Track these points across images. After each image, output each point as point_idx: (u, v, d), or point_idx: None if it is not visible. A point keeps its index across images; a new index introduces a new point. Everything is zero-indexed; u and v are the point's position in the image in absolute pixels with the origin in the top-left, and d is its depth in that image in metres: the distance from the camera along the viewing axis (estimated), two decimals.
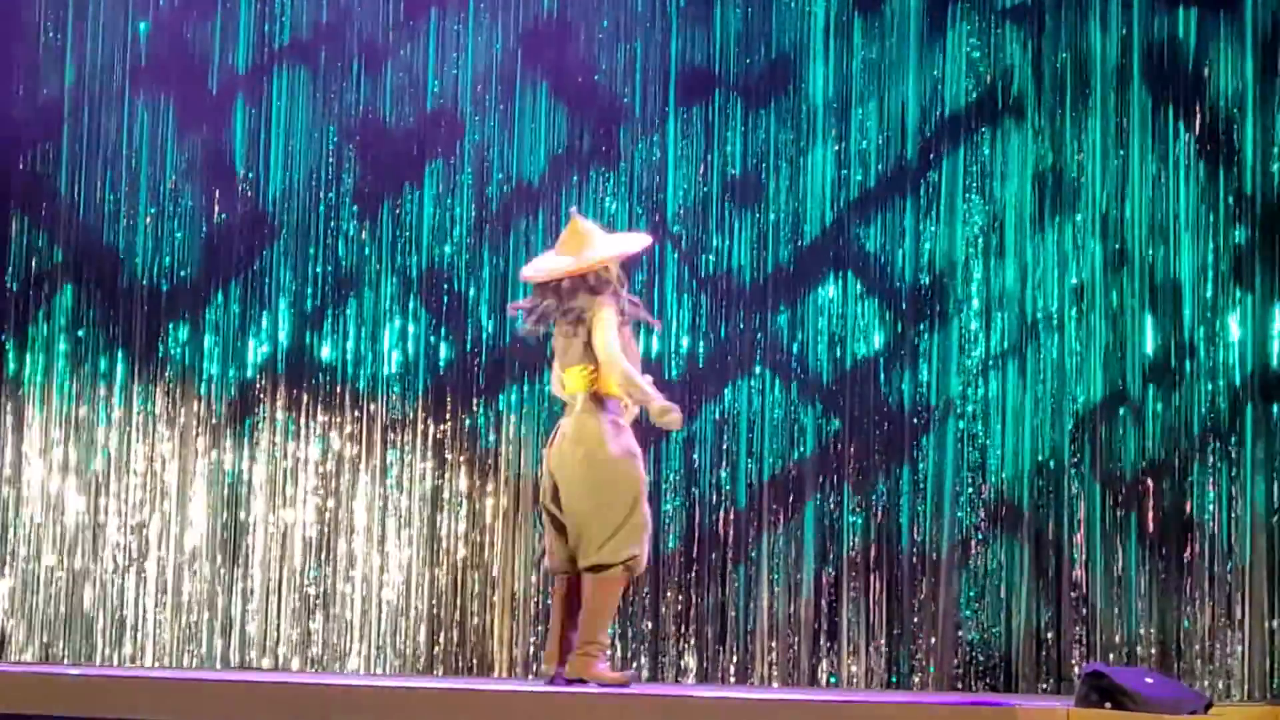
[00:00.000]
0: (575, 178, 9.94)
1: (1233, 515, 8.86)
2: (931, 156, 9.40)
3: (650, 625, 9.61)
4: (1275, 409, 8.86)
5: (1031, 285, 9.21)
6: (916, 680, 9.21)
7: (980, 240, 9.31)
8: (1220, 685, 8.77)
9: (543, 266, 7.63)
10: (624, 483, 7.36)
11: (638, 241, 7.86)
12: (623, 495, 7.35)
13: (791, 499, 9.49)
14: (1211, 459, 8.92)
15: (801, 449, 9.48)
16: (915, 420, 9.34)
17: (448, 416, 10.02)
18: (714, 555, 9.54)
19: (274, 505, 10.14)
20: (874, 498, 9.36)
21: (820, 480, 9.44)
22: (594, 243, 7.54)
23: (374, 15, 10.24)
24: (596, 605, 7.35)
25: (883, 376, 9.41)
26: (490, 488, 9.93)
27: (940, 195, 9.38)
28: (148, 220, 10.36)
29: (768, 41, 9.72)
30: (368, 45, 10.24)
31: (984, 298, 9.30)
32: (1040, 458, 9.14)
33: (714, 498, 9.58)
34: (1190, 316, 9.00)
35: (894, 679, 9.22)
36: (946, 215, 9.36)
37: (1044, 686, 8.99)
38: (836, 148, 9.55)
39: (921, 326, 9.37)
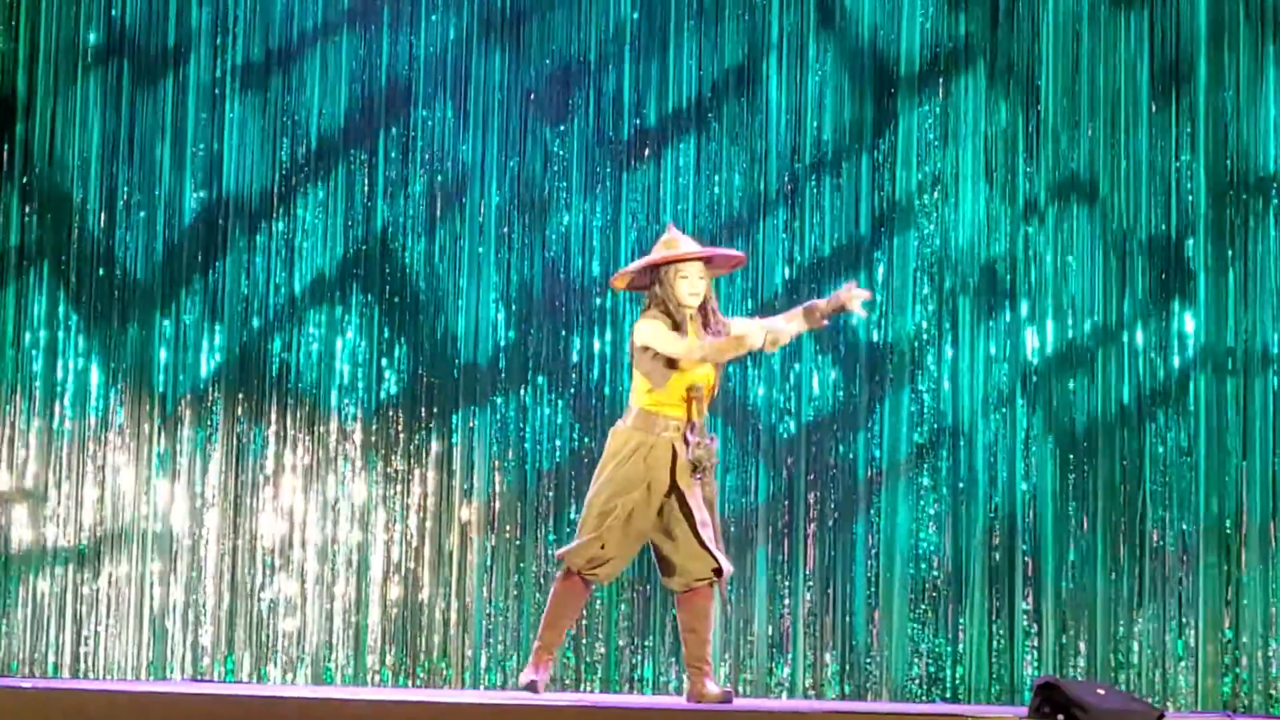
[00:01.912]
0: (533, 198, 9.96)
1: (1184, 528, 8.92)
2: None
3: (604, 639, 9.63)
4: (1231, 417, 8.94)
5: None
6: (870, 690, 9.25)
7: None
8: (1172, 696, 8.83)
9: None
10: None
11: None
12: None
13: (749, 515, 9.52)
14: (1164, 474, 8.98)
15: (755, 485, 9.54)
16: (871, 449, 9.39)
17: (402, 428, 10.01)
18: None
19: (229, 515, 10.11)
20: (828, 511, 9.40)
21: (776, 499, 9.47)
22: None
23: (337, 30, 10.25)
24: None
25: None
26: (448, 499, 9.92)
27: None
28: (100, 222, 10.32)
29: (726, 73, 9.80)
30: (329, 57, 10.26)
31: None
32: (992, 468, 9.19)
33: None
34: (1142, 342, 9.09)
35: (847, 689, 9.26)
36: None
37: (996, 697, 9.03)
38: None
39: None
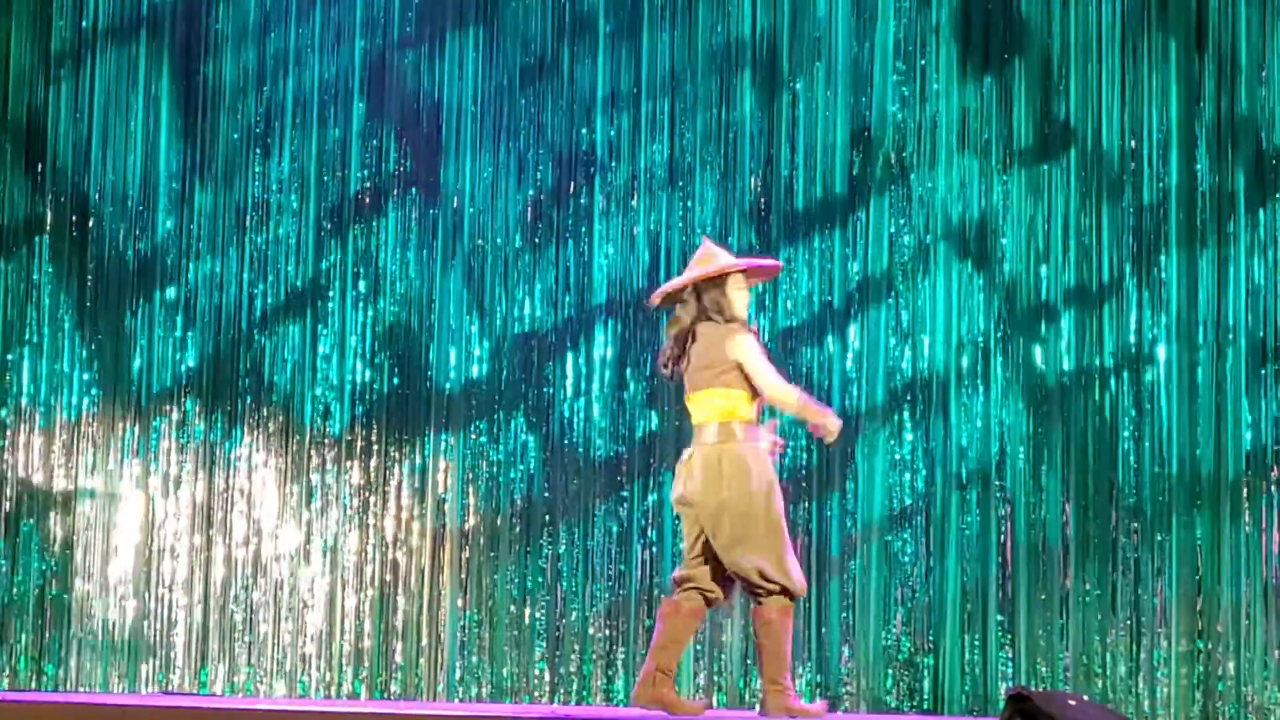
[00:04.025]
0: (508, 211, 9.96)
1: (1157, 538, 8.93)
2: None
3: (578, 652, 9.63)
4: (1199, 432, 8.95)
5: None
6: (846, 702, 9.25)
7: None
8: (1145, 708, 8.83)
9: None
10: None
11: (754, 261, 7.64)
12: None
13: None
14: (1137, 487, 8.99)
15: None
16: (845, 447, 9.39)
17: (377, 441, 10.00)
18: (640, 585, 9.57)
19: (203, 526, 10.09)
20: (802, 520, 9.40)
21: None
22: (720, 257, 7.47)
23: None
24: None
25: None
26: (423, 511, 9.91)
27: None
28: (73, 229, 10.32)
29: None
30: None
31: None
32: (967, 480, 9.20)
33: (649, 533, 9.62)
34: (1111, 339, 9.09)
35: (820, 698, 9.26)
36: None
37: (971, 709, 9.04)
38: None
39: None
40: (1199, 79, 9.09)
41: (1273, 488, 8.81)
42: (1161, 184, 9.08)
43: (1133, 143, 9.13)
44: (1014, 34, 9.34)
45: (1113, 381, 9.10)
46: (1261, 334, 8.90)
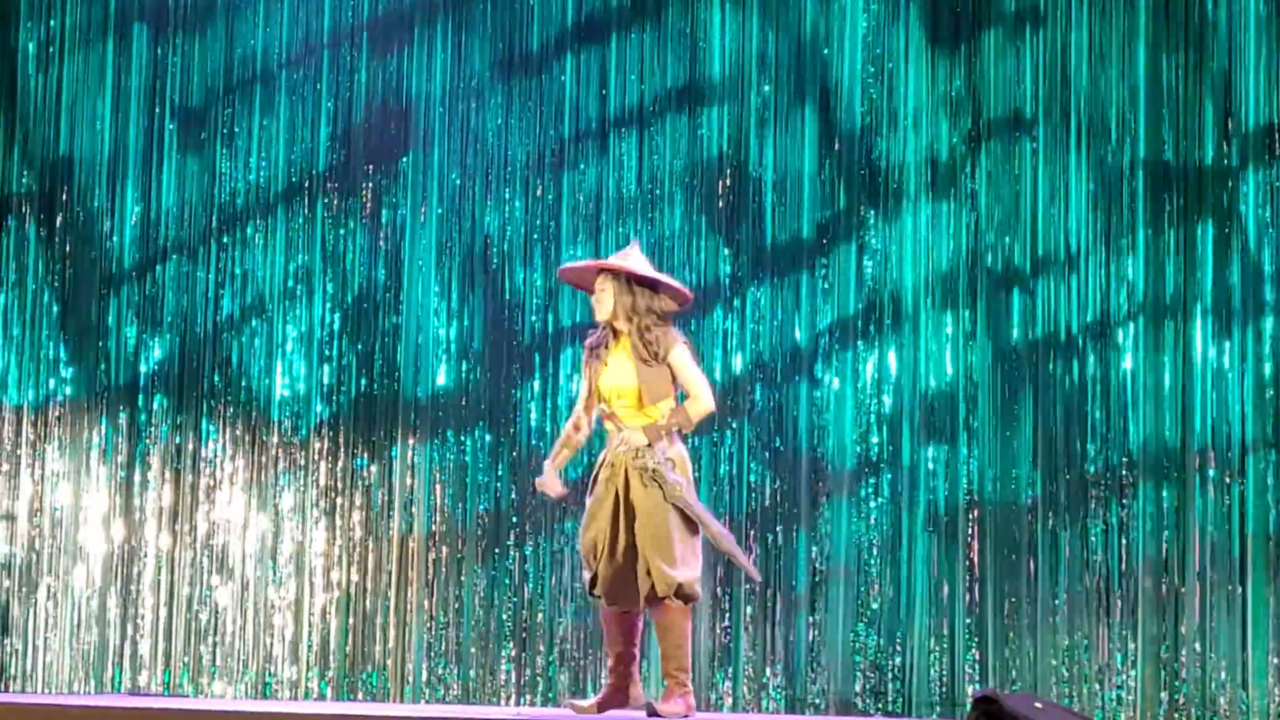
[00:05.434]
0: (474, 213, 9.96)
1: (1123, 541, 8.96)
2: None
3: (544, 654, 9.63)
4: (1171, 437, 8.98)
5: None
6: (812, 704, 9.26)
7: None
8: (1112, 710, 8.87)
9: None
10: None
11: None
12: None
13: None
14: (1107, 488, 9.01)
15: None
16: (817, 461, 9.41)
17: (344, 443, 9.99)
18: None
19: (169, 528, 10.07)
20: (771, 523, 9.41)
21: (717, 510, 9.48)
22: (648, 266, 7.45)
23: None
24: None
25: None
26: (390, 513, 9.90)
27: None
28: (40, 233, 10.30)
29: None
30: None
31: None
32: (938, 486, 9.22)
33: None
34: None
35: (786, 702, 9.27)
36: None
37: (936, 710, 9.06)
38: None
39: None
40: (1168, 56, 9.11)
41: (1238, 486, 8.85)
42: (1130, 165, 9.11)
43: (1101, 127, 9.16)
44: (983, 12, 9.37)
45: (1079, 373, 9.12)
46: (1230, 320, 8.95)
